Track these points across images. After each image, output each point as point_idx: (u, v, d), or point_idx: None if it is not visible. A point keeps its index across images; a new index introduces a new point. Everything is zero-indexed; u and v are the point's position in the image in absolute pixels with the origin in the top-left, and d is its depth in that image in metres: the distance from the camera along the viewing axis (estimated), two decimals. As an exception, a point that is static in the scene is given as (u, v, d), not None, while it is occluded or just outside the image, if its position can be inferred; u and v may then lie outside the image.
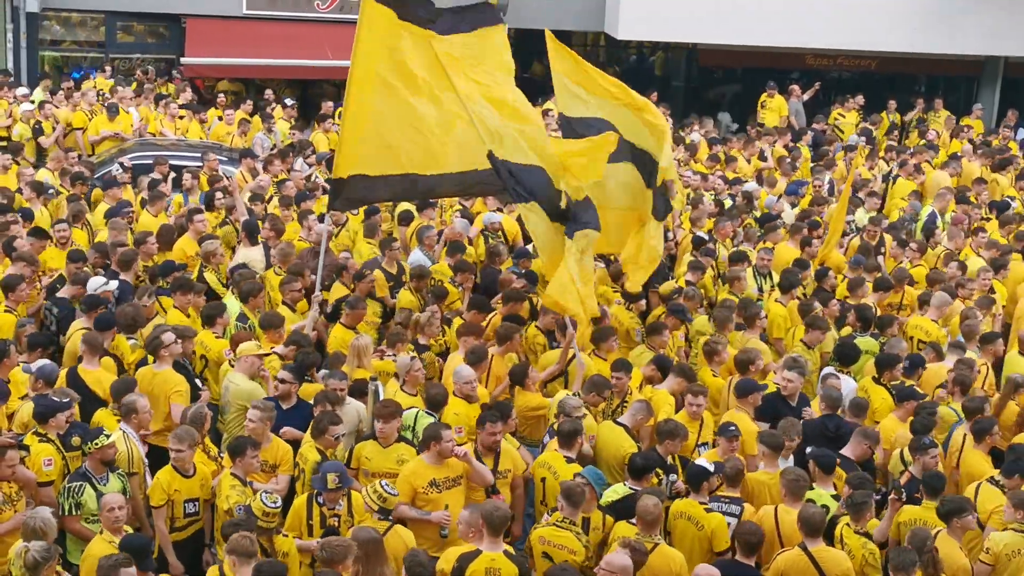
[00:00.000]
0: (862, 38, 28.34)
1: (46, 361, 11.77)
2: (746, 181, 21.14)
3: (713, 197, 19.46)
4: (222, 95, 24.80)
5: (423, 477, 10.28)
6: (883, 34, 28.17)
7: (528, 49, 30.68)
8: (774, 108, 26.76)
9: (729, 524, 9.97)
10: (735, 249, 16.61)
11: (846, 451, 11.16)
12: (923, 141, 25.25)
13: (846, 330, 14.32)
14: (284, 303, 13.74)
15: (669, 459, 10.94)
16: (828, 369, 13.11)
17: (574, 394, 11.91)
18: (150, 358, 12.02)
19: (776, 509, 10.09)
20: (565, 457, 10.64)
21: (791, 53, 29.39)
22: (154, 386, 11.56)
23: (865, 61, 30.09)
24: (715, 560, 9.60)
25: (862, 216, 19.17)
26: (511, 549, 9.33)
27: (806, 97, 27.63)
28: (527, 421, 12.24)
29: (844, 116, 26.76)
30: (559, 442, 10.78)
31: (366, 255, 15.77)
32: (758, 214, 18.94)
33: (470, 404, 11.58)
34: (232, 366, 12.11)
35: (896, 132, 27.53)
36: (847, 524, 9.88)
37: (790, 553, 9.56)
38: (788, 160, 22.34)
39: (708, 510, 10.00)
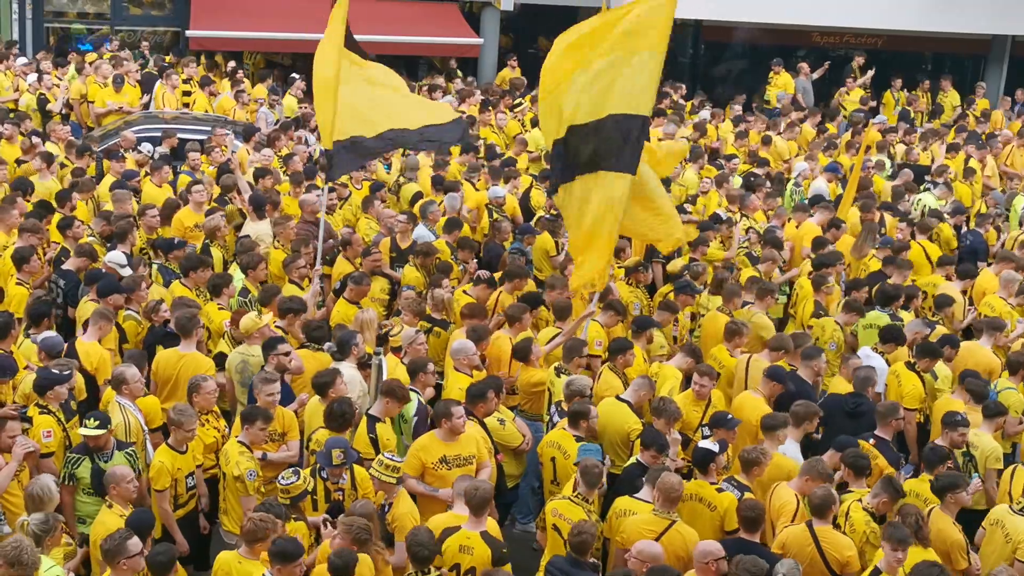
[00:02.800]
0: (869, 16, 28.20)
1: (50, 333, 11.82)
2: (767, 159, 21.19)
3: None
4: (240, 70, 24.66)
5: (434, 453, 10.30)
6: (891, 12, 28.05)
7: (534, 25, 30.64)
8: (780, 86, 26.67)
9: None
10: (769, 228, 16.57)
11: (880, 432, 11.14)
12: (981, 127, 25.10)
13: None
14: (292, 281, 13.71)
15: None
16: (865, 349, 13.15)
17: (559, 369, 11.98)
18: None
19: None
20: (574, 436, 10.66)
21: (798, 31, 29.28)
22: (181, 368, 11.53)
23: (872, 39, 29.97)
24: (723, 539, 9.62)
25: (930, 200, 19.05)
26: (494, 532, 9.33)
27: (815, 76, 27.53)
28: (530, 396, 12.29)
29: (848, 94, 26.67)
30: (569, 422, 10.80)
31: (363, 230, 15.79)
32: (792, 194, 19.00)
33: (473, 379, 11.59)
34: (233, 338, 12.17)
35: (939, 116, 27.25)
36: (856, 500, 9.93)
37: (795, 528, 9.63)
38: (824, 138, 22.38)
39: (719, 490, 10.00)
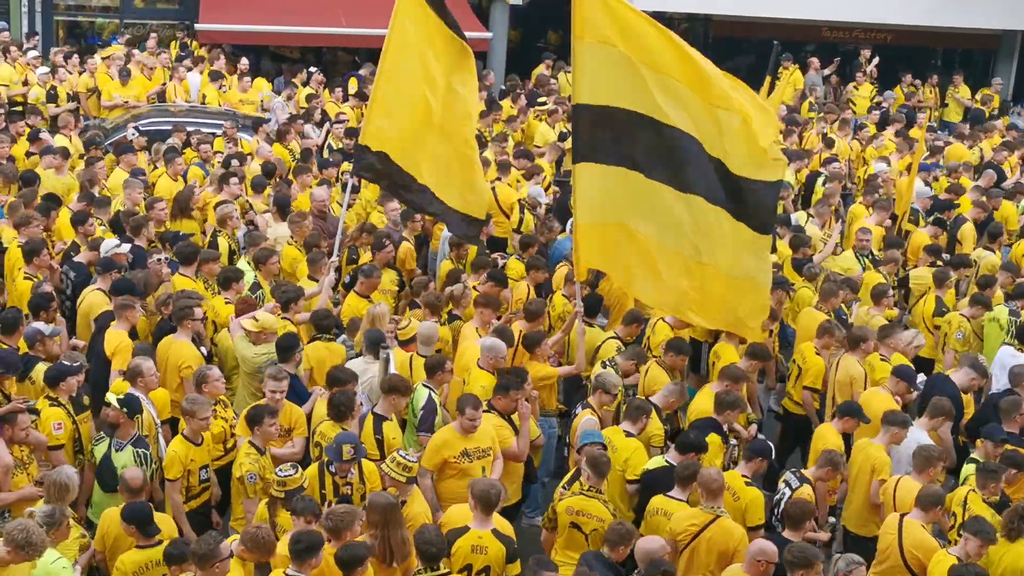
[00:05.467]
0: (879, 11, 28.17)
1: (42, 324, 11.73)
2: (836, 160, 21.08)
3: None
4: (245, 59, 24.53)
5: (455, 447, 10.34)
6: (900, 7, 28.02)
7: (543, 19, 30.56)
8: (789, 80, 26.60)
9: (784, 496, 10.18)
10: (894, 236, 16.59)
11: (1008, 428, 11.24)
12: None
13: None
14: (310, 278, 13.70)
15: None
16: (1008, 348, 13.33)
17: (607, 363, 12.05)
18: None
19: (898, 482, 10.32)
20: (625, 432, 10.70)
21: (807, 26, 29.23)
22: (169, 355, 11.62)
23: (881, 34, 29.90)
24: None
25: None
26: (503, 527, 9.37)
27: (826, 72, 27.45)
28: (537, 391, 12.20)
29: (857, 89, 26.60)
30: (626, 415, 10.87)
31: (376, 224, 15.78)
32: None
33: (493, 376, 11.59)
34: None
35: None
36: (973, 490, 10.05)
37: (892, 517, 9.80)
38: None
39: (748, 483, 10.05)
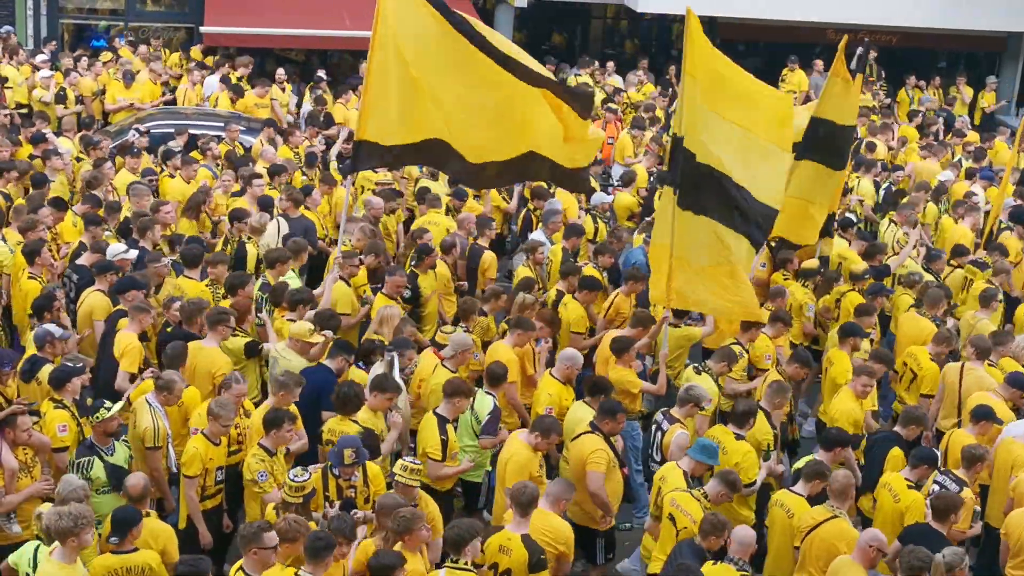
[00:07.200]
0: (884, 13, 28.11)
1: (50, 326, 11.79)
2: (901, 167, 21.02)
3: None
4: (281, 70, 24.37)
5: (536, 463, 10.47)
6: (906, 9, 27.96)
7: (547, 19, 30.60)
8: (793, 83, 26.55)
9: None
10: (999, 242, 16.57)
11: None
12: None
13: None
14: (340, 277, 13.59)
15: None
16: None
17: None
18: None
19: None
20: (735, 434, 10.87)
21: (812, 27, 29.18)
22: (198, 361, 11.58)
23: (887, 36, 29.85)
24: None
25: None
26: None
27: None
28: (618, 396, 11.98)
29: (865, 93, 26.48)
30: (732, 419, 11.03)
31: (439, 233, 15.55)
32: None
33: (564, 386, 11.74)
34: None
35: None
36: None
37: (1021, 511, 9.97)
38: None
39: (910, 487, 10.20)
